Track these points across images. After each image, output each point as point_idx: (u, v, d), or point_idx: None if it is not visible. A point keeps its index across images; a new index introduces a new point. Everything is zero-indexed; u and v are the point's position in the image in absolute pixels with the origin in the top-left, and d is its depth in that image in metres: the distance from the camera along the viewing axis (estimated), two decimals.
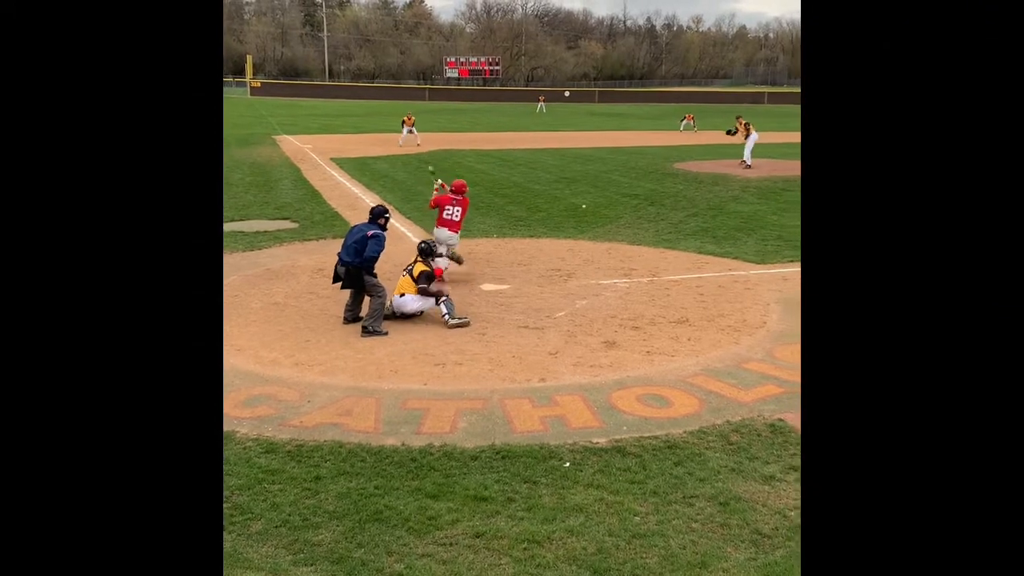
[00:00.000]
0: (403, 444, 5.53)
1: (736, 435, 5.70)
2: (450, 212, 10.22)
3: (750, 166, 22.69)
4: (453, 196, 10.33)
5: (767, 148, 26.43)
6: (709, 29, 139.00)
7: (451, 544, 4.31)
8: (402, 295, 8.54)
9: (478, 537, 4.37)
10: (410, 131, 29.75)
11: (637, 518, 4.58)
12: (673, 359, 7.37)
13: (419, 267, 8.69)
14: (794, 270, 10.84)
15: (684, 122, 40.55)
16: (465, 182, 10.75)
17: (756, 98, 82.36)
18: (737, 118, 24.40)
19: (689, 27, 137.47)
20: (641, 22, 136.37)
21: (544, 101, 65.01)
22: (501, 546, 4.29)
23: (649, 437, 5.66)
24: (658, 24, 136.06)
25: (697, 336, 8.03)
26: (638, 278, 10.44)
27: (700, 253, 11.94)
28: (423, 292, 8.56)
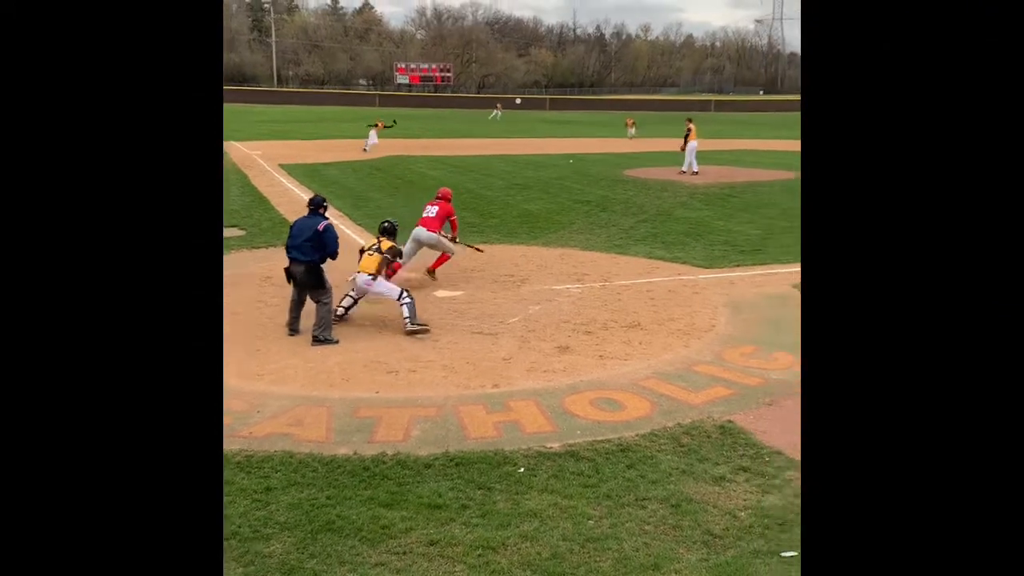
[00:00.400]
0: (355, 453, 5.47)
1: (687, 437, 5.77)
2: (427, 210, 10.51)
3: (696, 172, 23.02)
4: (435, 200, 10.70)
5: (713, 155, 26.90)
6: (657, 38, 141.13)
7: (405, 553, 4.28)
8: (371, 275, 8.42)
9: (432, 545, 4.35)
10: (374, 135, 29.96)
11: (591, 522, 4.60)
12: (625, 363, 7.45)
13: (386, 243, 8.70)
14: (740, 274, 11.04)
15: (630, 130, 40.67)
16: (450, 189, 11.27)
17: (703, 106, 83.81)
18: (687, 120, 24.65)
19: (638, 36, 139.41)
20: (591, 30, 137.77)
21: (501, 108, 65.08)
22: (455, 553, 4.28)
23: (602, 441, 5.70)
24: (607, 33, 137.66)
25: (648, 340, 8.13)
26: (590, 283, 10.52)
27: (650, 258, 12.09)
28: (393, 257, 8.69)
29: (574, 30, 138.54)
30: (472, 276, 10.89)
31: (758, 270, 11.34)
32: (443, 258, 10.60)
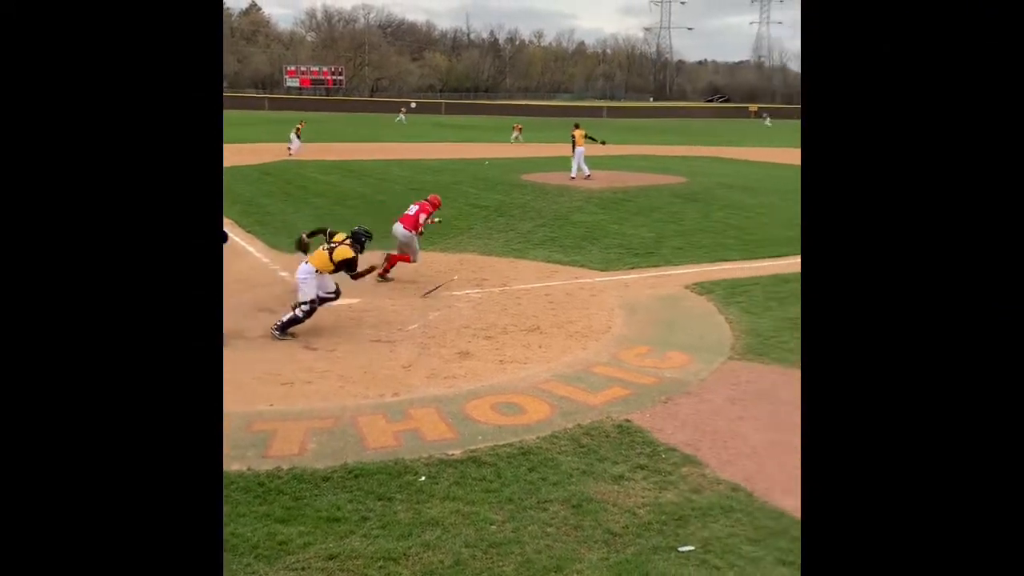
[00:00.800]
0: (249, 468, 5.28)
1: (587, 438, 5.86)
2: (410, 208, 11.10)
3: (588, 176, 23.51)
4: (422, 201, 11.25)
5: (606, 160, 27.52)
6: (550, 44, 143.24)
7: (303, 568, 4.16)
8: (306, 262, 8.27)
9: (331, 559, 4.24)
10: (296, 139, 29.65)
11: (493, 527, 4.60)
12: (525, 366, 7.50)
13: (342, 251, 8.31)
14: (635, 276, 11.32)
15: (515, 134, 40.99)
16: (439, 197, 11.84)
17: (596, 112, 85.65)
18: (575, 126, 25.12)
19: (531, 41, 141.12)
20: (485, 35, 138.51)
21: (406, 112, 64.42)
22: (356, 566, 4.18)
23: (503, 445, 5.72)
24: (501, 38, 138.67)
25: (548, 343, 8.21)
26: (490, 288, 10.55)
27: (548, 262, 12.24)
28: (346, 270, 8.35)
29: (468, 35, 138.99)
30: (367, 283, 10.72)
31: (652, 272, 11.66)
32: (395, 259, 10.78)
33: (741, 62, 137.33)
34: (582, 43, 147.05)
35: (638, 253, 12.91)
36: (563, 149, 28.67)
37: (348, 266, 8.35)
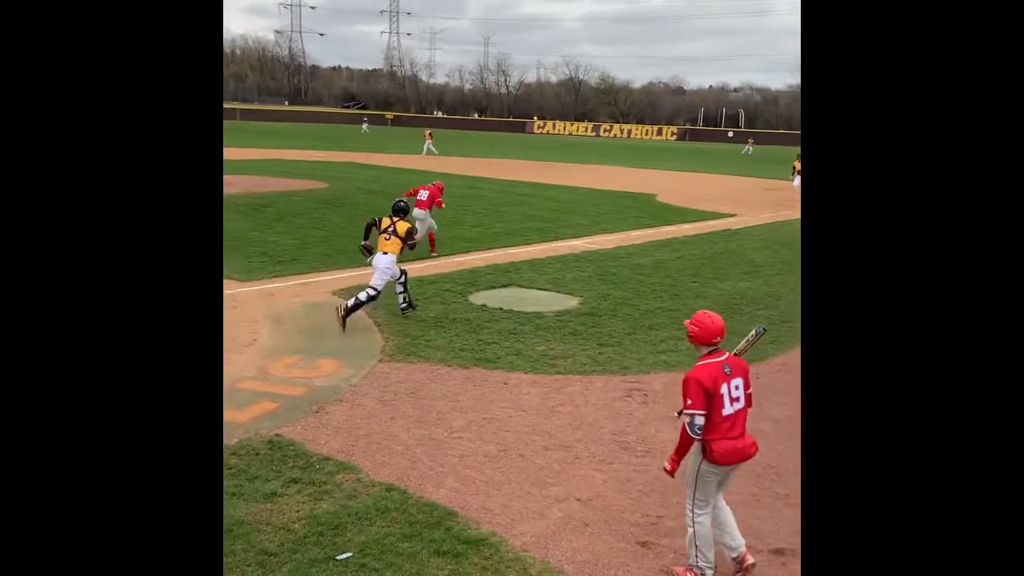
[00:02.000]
0: None
1: (235, 458, 5.54)
2: (419, 194, 13.54)
3: None
4: (428, 186, 13.79)
5: (243, 165, 26.38)
6: None
7: None
8: (385, 253, 9.19)
9: None
10: None
11: None
12: None
13: (403, 225, 9.32)
14: (280, 285, 11.00)
15: None
16: (441, 184, 14.24)
17: (229, 114, 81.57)
18: None
19: None
20: None
21: None
22: None
23: None
24: None
25: None
26: None
27: None
28: (412, 245, 9.48)
29: None
30: None
31: (297, 279, 11.42)
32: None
33: (375, 70, 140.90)
34: None
35: (282, 261, 12.57)
36: None
37: (411, 234, 9.44)
